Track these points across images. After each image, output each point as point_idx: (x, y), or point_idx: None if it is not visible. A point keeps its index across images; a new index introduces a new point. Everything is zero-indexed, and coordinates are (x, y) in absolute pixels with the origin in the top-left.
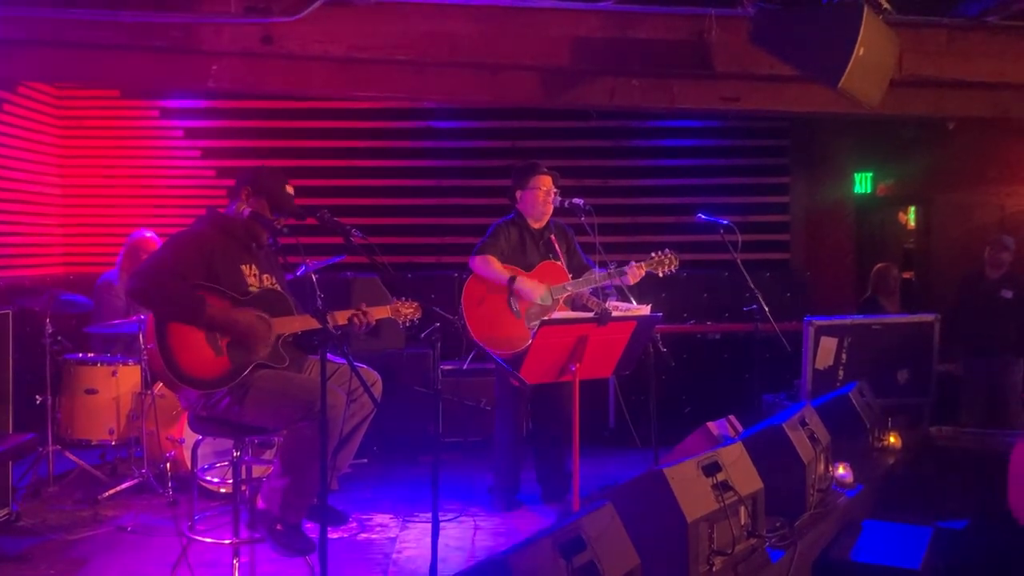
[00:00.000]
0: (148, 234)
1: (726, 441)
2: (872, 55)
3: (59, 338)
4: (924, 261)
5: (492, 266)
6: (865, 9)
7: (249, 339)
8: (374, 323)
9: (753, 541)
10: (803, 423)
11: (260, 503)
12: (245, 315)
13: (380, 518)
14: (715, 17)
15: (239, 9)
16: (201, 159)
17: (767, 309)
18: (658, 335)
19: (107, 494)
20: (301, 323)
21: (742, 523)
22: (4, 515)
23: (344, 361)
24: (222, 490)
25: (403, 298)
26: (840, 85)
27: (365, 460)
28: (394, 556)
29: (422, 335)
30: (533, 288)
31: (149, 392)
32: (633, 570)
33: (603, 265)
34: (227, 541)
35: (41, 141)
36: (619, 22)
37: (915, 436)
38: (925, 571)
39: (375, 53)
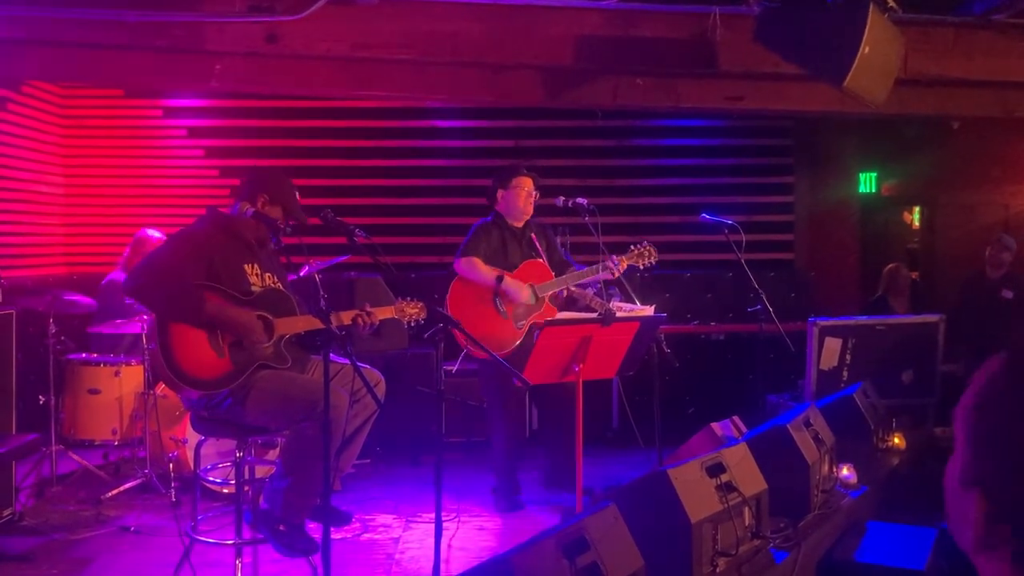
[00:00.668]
0: (153, 233)
1: (730, 442)
2: (877, 54)
3: (62, 338)
4: (928, 261)
5: (477, 267)
6: (871, 7)
7: (248, 338)
8: (378, 324)
9: (757, 542)
10: (807, 424)
11: (263, 503)
12: (244, 314)
13: (383, 518)
14: (719, 15)
15: (243, 8)
16: (204, 158)
17: (771, 309)
18: (662, 335)
19: (110, 494)
20: (304, 323)
21: (746, 524)
22: (7, 515)
23: (347, 361)
24: (225, 490)
25: (408, 298)
26: (845, 84)
27: (368, 460)
28: (397, 557)
29: (425, 335)
30: (519, 288)
31: (152, 392)
32: (637, 571)
33: (581, 265)
34: (230, 541)
35: (44, 140)
36: (622, 21)
37: (919, 437)
38: (930, 572)
39: (378, 52)
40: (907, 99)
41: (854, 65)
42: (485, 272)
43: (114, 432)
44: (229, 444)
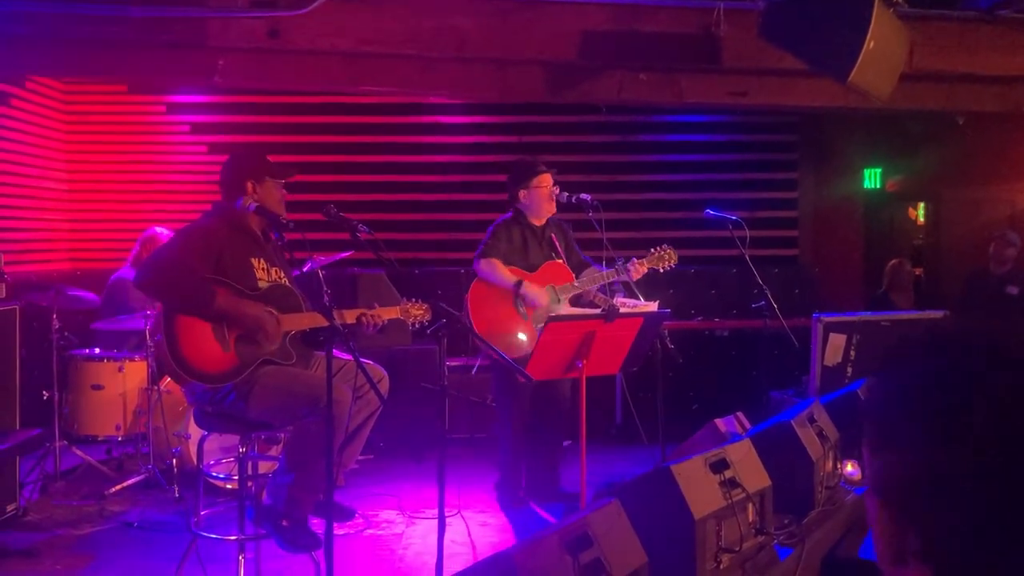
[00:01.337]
0: (162, 231)
1: (734, 438)
2: (882, 49)
3: (66, 333)
4: (933, 257)
5: (497, 270)
6: (876, 2)
7: (258, 333)
8: (383, 323)
9: (761, 538)
10: (811, 420)
11: (266, 499)
12: (255, 308)
13: (386, 514)
14: (723, 11)
15: (245, 4)
16: (207, 154)
17: (775, 305)
18: (666, 331)
19: (113, 490)
20: (309, 320)
21: (750, 520)
22: (11, 510)
23: (351, 357)
24: (228, 486)
25: (413, 299)
26: (850, 79)
27: (371, 456)
28: (400, 552)
29: (428, 331)
30: (538, 295)
31: (155, 388)
32: (640, 567)
33: (609, 262)
34: (233, 537)
35: (48, 136)
36: (626, 16)
37: None
38: None
39: (381, 48)
40: (912, 94)
41: (859, 60)
42: (505, 276)
43: (117, 428)
44: (232, 440)
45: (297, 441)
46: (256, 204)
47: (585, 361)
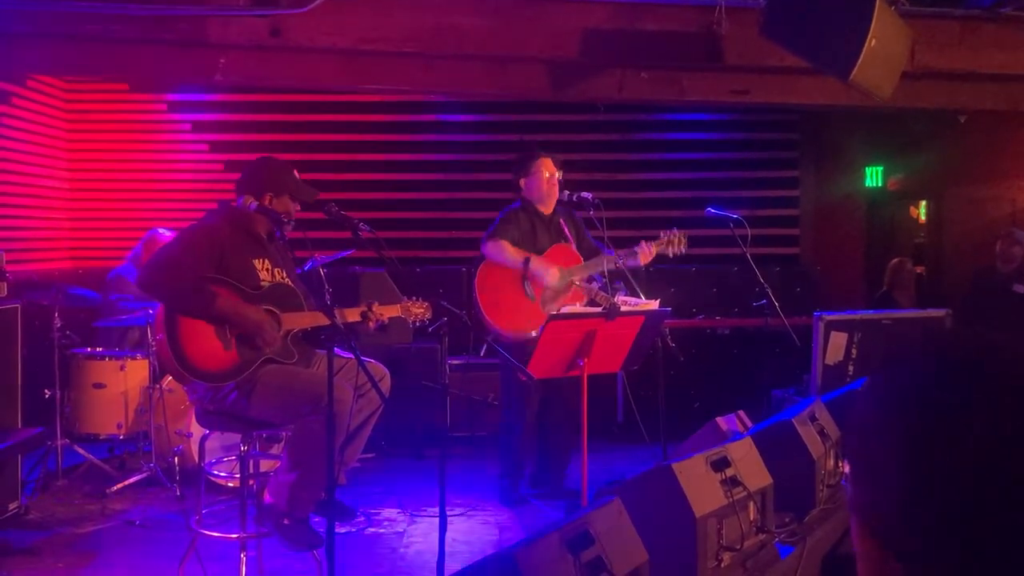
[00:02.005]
0: (164, 232)
1: (735, 436)
2: (884, 47)
3: (67, 332)
4: (935, 256)
5: (505, 250)
6: (877, 0)
7: (257, 337)
8: (385, 320)
9: (762, 537)
10: (813, 418)
11: (268, 497)
12: (256, 312)
13: (388, 512)
14: (725, 9)
15: (247, 2)
16: (209, 152)
17: (776, 304)
18: (667, 330)
19: (115, 488)
20: (311, 319)
21: (751, 519)
22: (13, 508)
23: (352, 356)
24: (230, 484)
25: (414, 297)
26: (851, 77)
27: (372, 455)
28: (401, 551)
29: (430, 329)
30: (547, 269)
31: (157, 386)
32: (641, 565)
33: (612, 250)
34: (235, 535)
35: (49, 135)
36: (627, 14)
37: None
38: None
39: (382, 46)
40: (914, 92)
41: (860, 58)
42: (512, 254)
43: (119, 426)
44: (234, 438)
45: (299, 440)
46: (256, 204)
47: (586, 359)
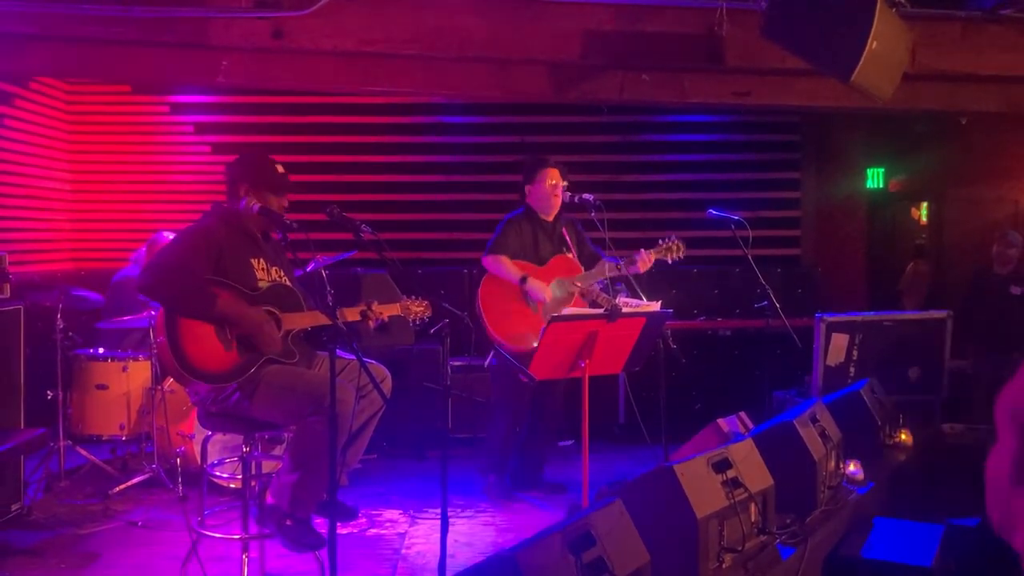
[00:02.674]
0: (168, 235)
1: (736, 438)
2: (885, 49)
3: (70, 333)
4: (936, 257)
5: (503, 266)
6: (878, 2)
7: (258, 338)
8: (385, 320)
9: (763, 538)
10: (814, 420)
11: (269, 498)
12: (256, 312)
13: (389, 514)
14: (726, 11)
15: (249, 4)
16: (211, 154)
17: (778, 305)
18: (668, 331)
19: (117, 489)
20: (311, 319)
21: (752, 520)
22: (16, 509)
23: (353, 357)
24: (232, 485)
25: (413, 296)
26: (852, 79)
27: (374, 456)
28: (403, 552)
29: (431, 331)
30: (541, 290)
31: (159, 387)
32: (643, 567)
33: (612, 257)
34: (237, 536)
35: (51, 136)
36: (629, 16)
37: (927, 433)
38: (937, 568)
39: (384, 48)
40: (915, 94)
41: (862, 60)
42: (511, 271)
43: (121, 427)
44: (236, 439)
45: (301, 441)
46: (259, 205)
47: (588, 361)
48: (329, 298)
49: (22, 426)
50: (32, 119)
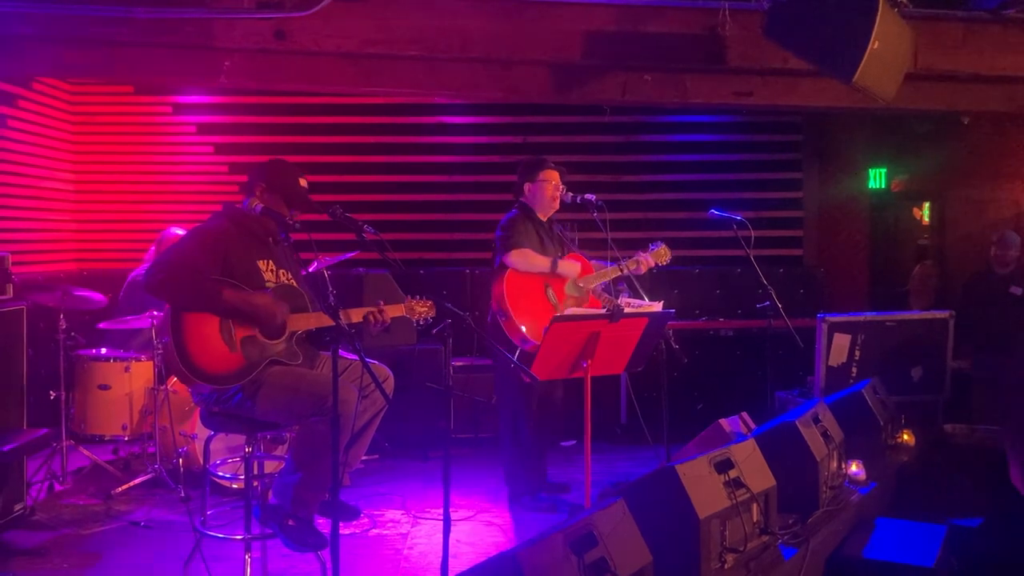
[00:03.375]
0: (178, 231)
1: (738, 438)
2: (887, 49)
3: (72, 334)
4: (939, 257)
5: (531, 257)
6: (880, 2)
7: (268, 321)
8: (389, 322)
9: (765, 538)
10: (816, 420)
11: (272, 498)
12: (261, 296)
13: (391, 514)
14: (728, 11)
15: (252, 4)
16: (214, 154)
17: (780, 305)
18: (670, 331)
19: (120, 489)
20: (316, 320)
21: (754, 520)
22: (19, 509)
23: (356, 357)
24: (234, 485)
25: (417, 296)
26: (855, 79)
27: (376, 456)
28: (405, 552)
29: (434, 331)
30: (572, 268)
31: (162, 388)
32: (645, 567)
33: (614, 261)
34: (239, 536)
35: (55, 137)
36: (631, 16)
37: (929, 433)
38: (939, 569)
39: (387, 48)
40: (917, 94)
41: (864, 60)
42: (540, 259)
43: (124, 427)
44: (238, 439)
45: (303, 441)
46: (262, 206)
47: (590, 361)
48: (332, 298)
49: (25, 426)
50: (35, 120)
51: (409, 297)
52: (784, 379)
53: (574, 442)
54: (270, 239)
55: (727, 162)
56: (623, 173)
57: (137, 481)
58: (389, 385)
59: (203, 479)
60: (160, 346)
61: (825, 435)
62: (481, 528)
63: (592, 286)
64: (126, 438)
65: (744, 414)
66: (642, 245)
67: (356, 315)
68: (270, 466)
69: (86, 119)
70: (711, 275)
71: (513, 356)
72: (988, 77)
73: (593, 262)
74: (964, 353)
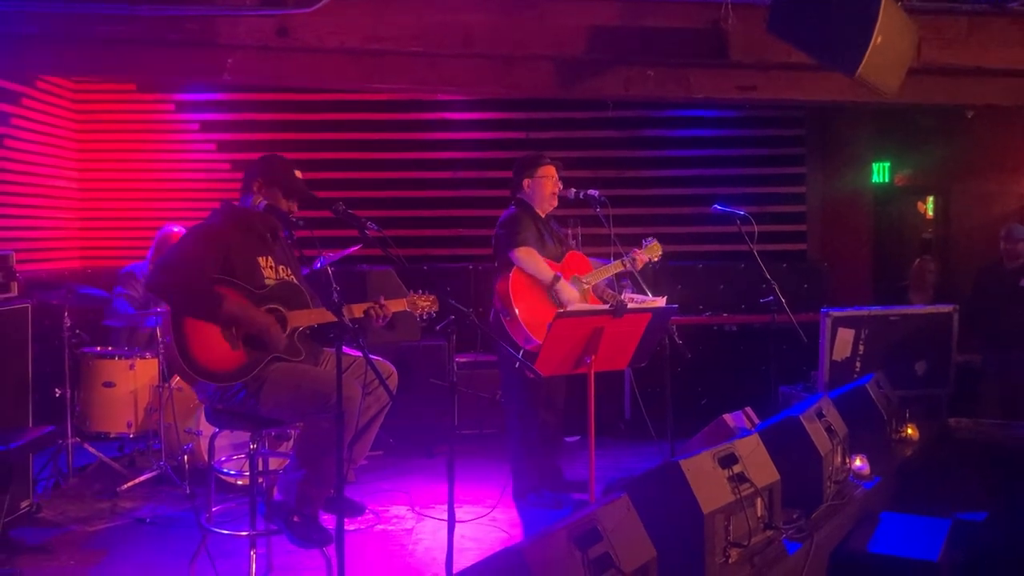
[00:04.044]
0: (176, 228)
1: (742, 433)
2: (890, 43)
3: (77, 331)
4: (943, 251)
5: (537, 261)
6: None
7: (264, 338)
8: (391, 316)
9: (769, 533)
10: (820, 415)
11: (277, 495)
12: (262, 315)
13: (396, 510)
14: (731, 5)
15: (254, 2)
16: (217, 152)
17: (784, 300)
18: (674, 327)
19: (126, 486)
20: (317, 316)
21: (758, 515)
22: (25, 507)
23: (359, 354)
24: (239, 482)
25: (420, 291)
26: (858, 73)
27: (381, 452)
28: (410, 548)
29: (437, 327)
30: (570, 294)
31: (166, 385)
32: (649, 562)
33: (615, 257)
34: (244, 533)
35: (58, 135)
36: (634, 11)
37: (933, 428)
38: (943, 563)
39: (389, 45)
40: (921, 88)
41: (867, 54)
42: (544, 268)
43: (129, 425)
44: (243, 436)
45: (307, 437)
46: (265, 203)
47: (594, 357)
48: (335, 295)
49: (30, 424)
50: (39, 118)
51: (411, 291)
52: (788, 374)
53: (578, 438)
54: (269, 235)
55: (730, 157)
56: (626, 168)
57: (142, 478)
58: (393, 381)
59: (208, 476)
60: (163, 345)
61: (829, 430)
62: (486, 524)
63: (593, 283)
64: (131, 435)
65: (748, 409)
66: (631, 250)
67: (358, 310)
68: (275, 462)
69: (90, 117)
70: (715, 270)
71: (517, 353)
72: (992, 70)
73: (592, 260)
74: (973, 347)
